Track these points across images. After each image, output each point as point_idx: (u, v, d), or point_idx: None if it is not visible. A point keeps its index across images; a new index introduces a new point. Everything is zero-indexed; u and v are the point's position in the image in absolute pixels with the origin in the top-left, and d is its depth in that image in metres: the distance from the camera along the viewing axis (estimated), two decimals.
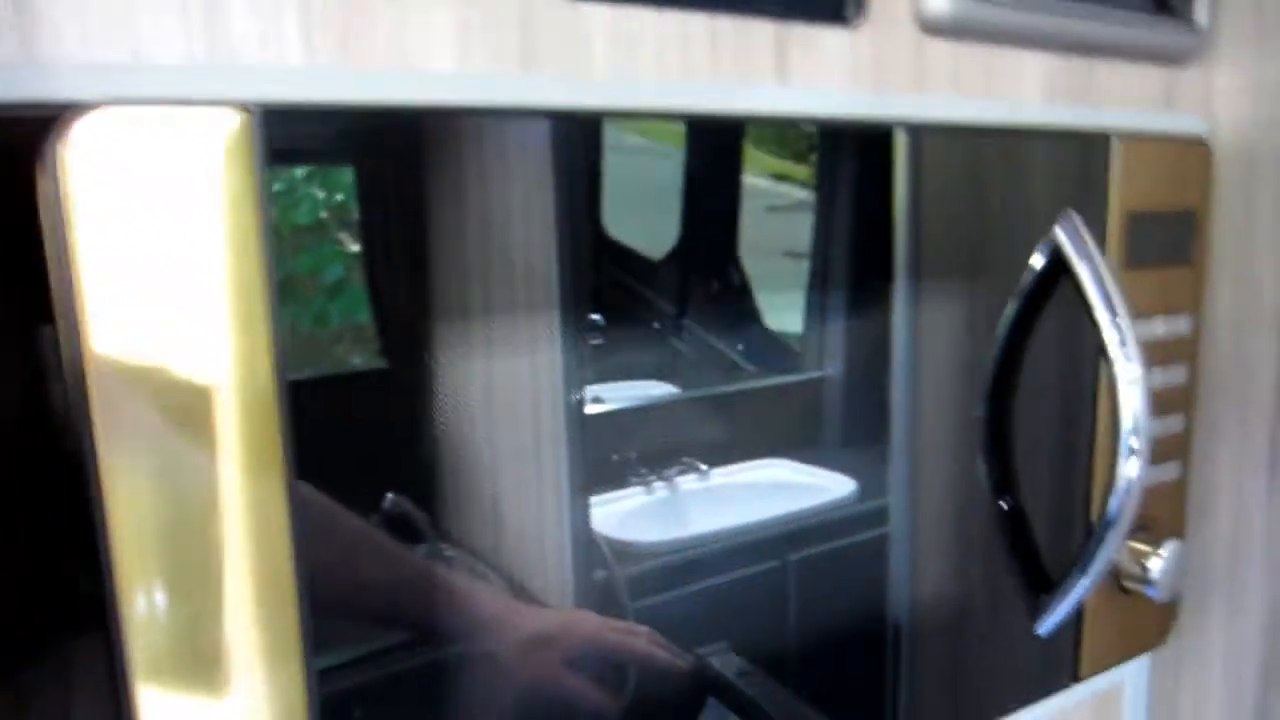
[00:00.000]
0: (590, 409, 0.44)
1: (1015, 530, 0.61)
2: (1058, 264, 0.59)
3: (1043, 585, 0.61)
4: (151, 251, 0.30)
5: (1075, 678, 0.65)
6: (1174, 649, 0.75)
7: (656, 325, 0.49)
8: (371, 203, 0.40)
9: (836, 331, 0.56)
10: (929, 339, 0.57)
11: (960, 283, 0.58)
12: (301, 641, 0.36)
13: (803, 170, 0.53)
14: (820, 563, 0.55)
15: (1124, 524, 0.58)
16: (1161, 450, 0.66)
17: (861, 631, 0.58)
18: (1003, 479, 0.60)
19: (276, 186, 0.36)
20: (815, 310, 0.56)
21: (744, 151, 0.52)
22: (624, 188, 0.46)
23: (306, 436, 0.36)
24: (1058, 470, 0.64)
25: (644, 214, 0.50)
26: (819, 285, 0.55)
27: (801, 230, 0.54)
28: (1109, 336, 0.57)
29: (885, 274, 0.54)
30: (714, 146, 0.51)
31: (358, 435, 0.39)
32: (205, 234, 0.30)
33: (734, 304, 0.52)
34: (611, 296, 0.45)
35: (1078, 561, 0.59)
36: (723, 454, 0.50)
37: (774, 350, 0.56)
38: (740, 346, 0.53)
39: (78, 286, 0.29)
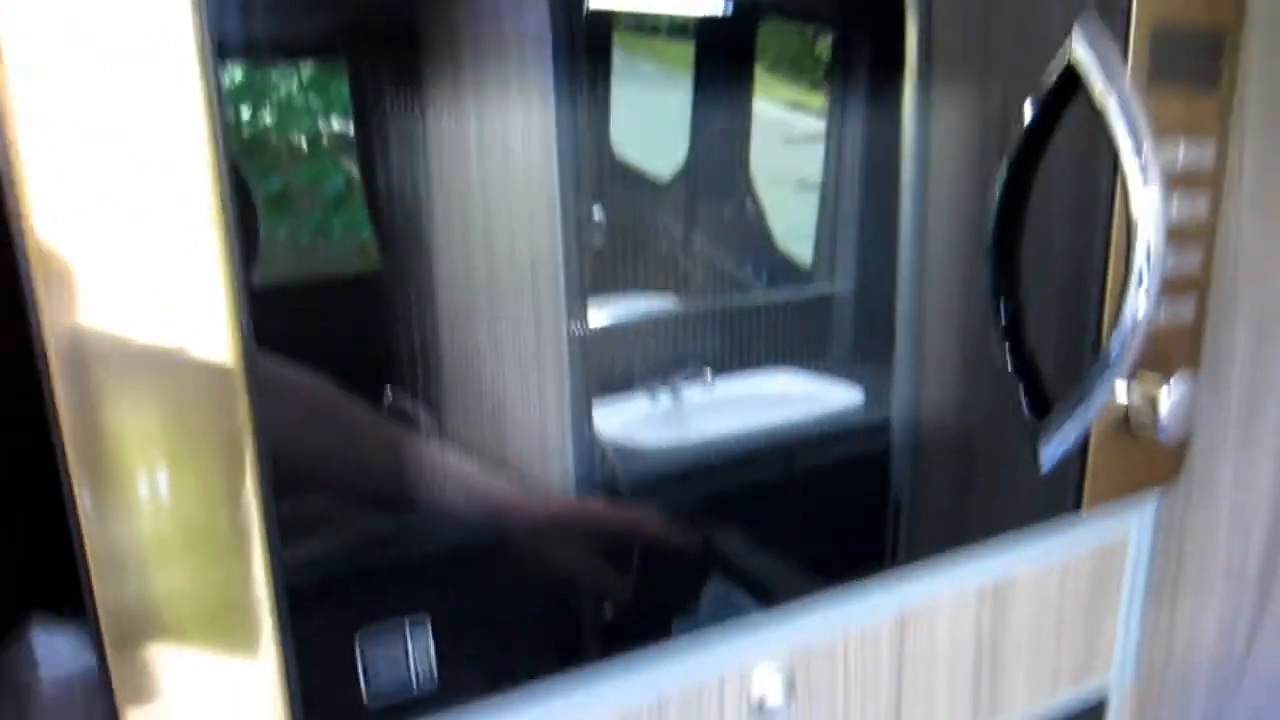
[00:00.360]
0: (594, 319, 0.44)
1: (1020, 361, 0.58)
2: (1074, 77, 0.55)
3: (1046, 417, 0.59)
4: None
5: (1077, 506, 0.63)
6: (1181, 500, 0.73)
7: (664, 243, 0.48)
8: (362, 97, 0.38)
9: (848, 241, 0.54)
10: (939, 150, 0.53)
11: (973, 100, 0.54)
12: (265, 524, 0.36)
13: (818, 98, 0.52)
14: (825, 422, 0.54)
15: (1130, 353, 0.56)
16: (1177, 284, 0.63)
17: (865, 463, 0.56)
18: (1010, 308, 0.58)
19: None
20: (827, 221, 0.54)
21: (755, 74, 0.50)
22: (634, 113, 0.46)
23: (302, 337, 0.36)
24: (1068, 303, 0.61)
25: (653, 139, 0.48)
26: (831, 193, 0.54)
27: (817, 162, 0.53)
28: (1126, 154, 0.54)
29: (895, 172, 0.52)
30: (724, 67, 0.49)
31: (356, 336, 0.39)
32: None
33: (744, 225, 0.51)
34: (618, 213, 0.45)
35: (1080, 392, 0.57)
36: (728, 367, 0.50)
37: (784, 270, 0.54)
38: (749, 266, 0.52)
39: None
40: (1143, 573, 0.76)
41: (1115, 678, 0.78)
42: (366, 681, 0.39)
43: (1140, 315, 0.55)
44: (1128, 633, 0.77)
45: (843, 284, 0.55)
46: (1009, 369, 0.59)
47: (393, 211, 0.38)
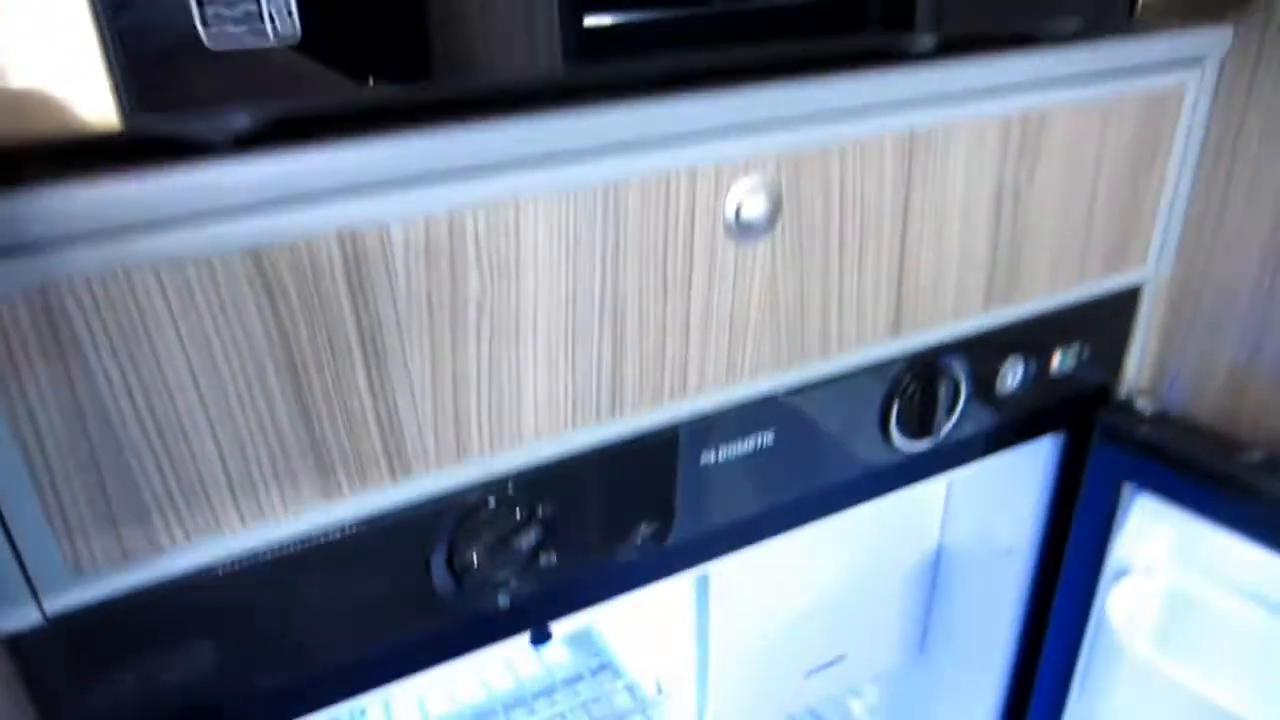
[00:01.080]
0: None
1: None
2: None
3: None
4: None
5: (1129, 15, 0.52)
6: (1253, 53, 0.62)
7: None
8: None
9: None
10: None
11: None
12: None
13: None
14: None
15: None
16: None
17: None
18: None
19: None
20: None
21: None
22: None
23: None
24: None
25: None
26: None
27: None
28: None
29: None
30: None
31: None
32: None
33: None
34: None
35: None
36: None
37: None
38: None
39: None
40: (1195, 143, 0.66)
41: (1150, 270, 0.69)
42: (201, 11, 0.31)
43: None
44: (1170, 215, 0.68)
45: None
46: None
47: None
